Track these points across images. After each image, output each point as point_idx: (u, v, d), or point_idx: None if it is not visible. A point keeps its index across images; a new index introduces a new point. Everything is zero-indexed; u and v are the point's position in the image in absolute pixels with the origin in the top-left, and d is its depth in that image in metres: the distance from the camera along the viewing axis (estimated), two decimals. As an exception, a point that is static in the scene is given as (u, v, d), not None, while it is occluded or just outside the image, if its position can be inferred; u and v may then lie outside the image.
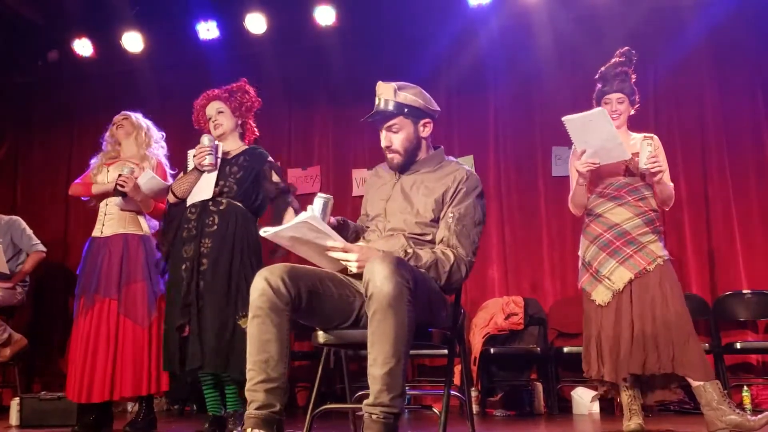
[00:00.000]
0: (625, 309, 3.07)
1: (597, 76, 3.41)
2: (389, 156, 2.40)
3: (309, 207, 2.22)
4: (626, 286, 3.08)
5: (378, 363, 1.88)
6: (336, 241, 2.12)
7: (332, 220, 2.31)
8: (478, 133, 5.42)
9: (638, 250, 3.09)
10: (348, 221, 2.46)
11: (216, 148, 3.14)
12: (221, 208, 3.11)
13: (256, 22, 5.43)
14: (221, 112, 3.26)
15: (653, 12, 5.12)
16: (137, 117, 3.75)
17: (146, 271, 3.52)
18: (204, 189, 3.16)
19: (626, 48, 3.39)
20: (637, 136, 3.29)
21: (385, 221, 2.36)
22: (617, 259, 3.11)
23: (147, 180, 3.46)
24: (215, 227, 3.09)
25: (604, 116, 3.03)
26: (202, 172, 3.14)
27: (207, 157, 3.09)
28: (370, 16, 5.46)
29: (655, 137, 3.31)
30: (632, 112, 3.36)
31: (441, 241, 2.27)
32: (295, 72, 5.73)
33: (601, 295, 3.13)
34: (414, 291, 1.92)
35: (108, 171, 3.64)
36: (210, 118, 3.27)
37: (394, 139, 2.37)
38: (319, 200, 2.24)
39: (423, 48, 5.32)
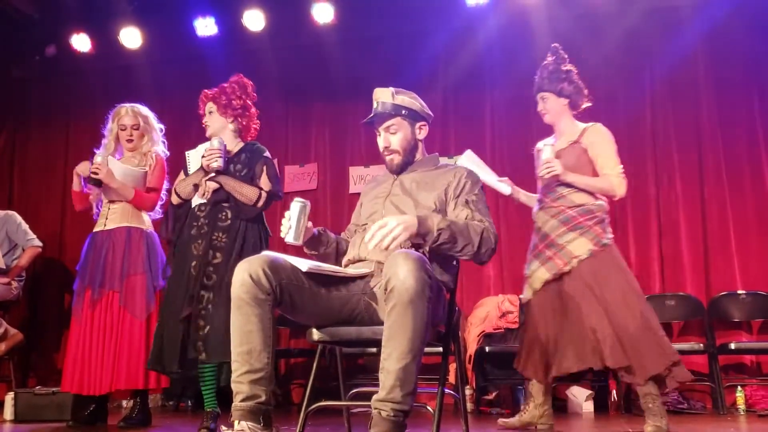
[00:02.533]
0: (549, 308, 3.15)
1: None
2: (389, 157, 2.44)
3: (286, 216, 2.24)
4: (548, 285, 3.15)
5: (394, 358, 1.87)
6: (340, 272, 2.20)
7: (310, 225, 2.30)
8: (474, 132, 5.42)
9: (558, 252, 3.15)
10: (328, 232, 2.46)
11: (224, 150, 3.15)
12: (233, 204, 3.15)
13: (254, 19, 5.43)
14: (210, 112, 3.29)
15: (651, 12, 5.13)
16: (146, 115, 3.75)
17: (147, 264, 3.54)
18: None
19: (555, 44, 3.42)
20: (583, 127, 3.34)
21: (383, 216, 2.37)
22: (540, 260, 3.20)
23: (118, 167, 3.52)
24: (229, 222, 3.14)
25: (470, 158, 3.16)
26: (208, 173, 3.15)
27: (218, 159, 3.11)
28: (368, 15, 5.46)
29: (597, 125, 3.31)
30: (564, 102, 3.33)
31: (465, 219, 2.28)
32: (292, 69, 5.72)
33: (526, 294, 3.26)
34: (432, 289, 1.92)
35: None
36: (206, 121, 3.31)
37: (392, 139, 2.42)
38: (295, 205, 2.23)
39: (420, 46, 5.32)
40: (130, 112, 3.70)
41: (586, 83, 5.18)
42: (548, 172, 3.13)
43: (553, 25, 5.19)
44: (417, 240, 2.13)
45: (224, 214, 3.16)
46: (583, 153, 3.24)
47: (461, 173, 2.40)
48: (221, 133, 3.28)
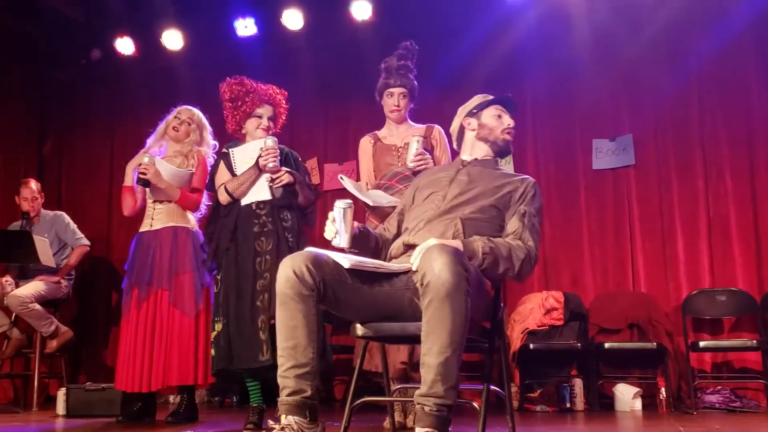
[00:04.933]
0: None
1: (382, 66, 3.45)
2: (508, 138, 2.60)
3: (330, 217, 2.21)
4: None
5: (433, 352, 1.85)
6: (382, 267, 2.17)
7: (355, 225, 2.27)
8: (515, 126, 5.33)
9: None
10: (368, 228, 2.44)
11: (279, 149, 3.19)
12: (291, 202, 3.20)
13: (293, 18, 5.45)
14: (271, 118, 3.33)
15: (694, 0, 4.98)
16: (204, 123, 3.83)
17: (194, 262, 3.60)
18: (261, 190, 3.20)
19: (409, 41, 3.44)
20: (420, 128, 3.42)
21: (444, 198, 2.39)
22: None
23: (165, 168, 3.57)
24: (290, 222, 3.18)
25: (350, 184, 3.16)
26: (262, 172, 3.18)
27: (274, 159, 3.14)
28: (406, 10, 5.43)
29: (437, 128, 3.43)
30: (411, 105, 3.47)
31: (512, 233, 2.31)
32: (331, 67, 5.74)
33: None
34: (470, 282, 1.91)
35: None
36: (260, 117, 3.30)
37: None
38: (338, 209, 2.18)
39: (459, 41, 5.26)
40: (192, 110, 3.82)
41: (627, 75, 5.12)
42: (421, 165, 3.16)
43: (592, 16, 5.11)
44: None
45: (285, 214, 3.19)
46: (431, 150, 3.37)
47: (529, 182, 2.44)
48: (261, 132, 3.33)
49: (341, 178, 3.22)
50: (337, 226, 2.19)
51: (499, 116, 2.59)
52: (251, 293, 3.08)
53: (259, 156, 3.16)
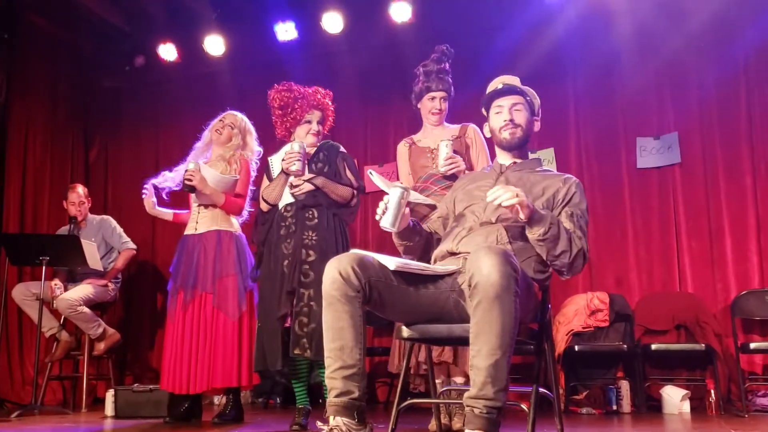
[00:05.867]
0: None
1: (421, 70, 3.45)
2: (510, 131, 2.42)
3: (384, 200, 2.21)
4: None
5: (483, 354, 1.84)
6: (428, 270, 2.15)
7: (407, 212, 2.26)
8: (557, 124, 5.27)
9: None
10: (421, 226, 2.43)
11: (304, 153, 3.20)
12: (318, 201, 3.21)
13: (332, 21, 5.48)
14: (319, 122, 3.35)
15: (739, -9, 4.86)
16: (248, 129, 3.87)
17: (237, 265, 3.64)
18: (289, 193, 3.27)
19: (444, 45, 3.45)
20: (454, 128, 3.41)
21: (484, 209, 2.33)
22: None
23: (210, 174, 3.63)
24: (316, 220, 3.20)
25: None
26: (289, 175, 3.21)
27: (296, 162, 3.15)
28: (445, 11, 5.41)
29: (471, 126, 3.40)
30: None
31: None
32: (370, 69, 5.74)
33: None
34: (519, 283, 1.89)
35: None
36: (310, 122, 3.34)
37: (516, 114, 2.42)
38: (395, 191, 2.18)
39: (499, 39, 5.21)
40: (236, 115, 3.86)
41: (670, 69, 5.01)
42: (453, 169, 3.16)
43: (634, 9, 5.02)
44: (528, 224, 2.13)
45: (311, 213, 3.22)
46: (466, 149, 3.36)
47: (572, 182, 2.37)
48: (312, 138, 3.36)
49: (370, 173, 3.22)
50: (390, 207, 2.19)
51: (498, 113, 2.45)
52: (278, 296, 3.13)
53: (283, 160, 3.21)
